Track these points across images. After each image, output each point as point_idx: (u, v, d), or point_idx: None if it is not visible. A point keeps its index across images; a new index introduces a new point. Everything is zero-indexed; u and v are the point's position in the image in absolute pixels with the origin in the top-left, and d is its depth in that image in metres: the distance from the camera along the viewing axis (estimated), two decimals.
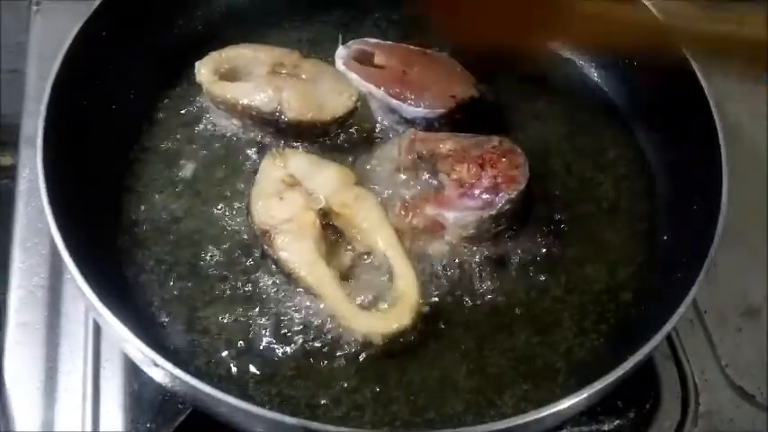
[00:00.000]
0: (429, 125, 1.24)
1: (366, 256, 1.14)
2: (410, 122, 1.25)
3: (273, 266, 1.13)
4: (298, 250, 1.10)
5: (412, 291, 1.08)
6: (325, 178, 1.16)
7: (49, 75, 1.13)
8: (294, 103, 1.22)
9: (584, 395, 0.93)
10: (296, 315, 1.11)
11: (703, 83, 1.20)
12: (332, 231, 1.15)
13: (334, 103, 1.24)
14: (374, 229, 1.12)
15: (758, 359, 1.26)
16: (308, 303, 1.11)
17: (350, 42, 1.32)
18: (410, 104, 1.23)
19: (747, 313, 1.30)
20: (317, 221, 1.11)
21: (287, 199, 1.13)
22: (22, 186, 1.31)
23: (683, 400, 1.21)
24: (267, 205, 1.13)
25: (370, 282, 1.12)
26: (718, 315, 1.29)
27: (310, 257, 1.09)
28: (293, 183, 1.15)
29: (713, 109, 1.17)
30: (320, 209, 1.12)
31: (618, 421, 1.19)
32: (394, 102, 1.24)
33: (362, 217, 1.13)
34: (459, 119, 1.25)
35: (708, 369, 1.25)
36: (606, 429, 1.18)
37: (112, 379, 1.16)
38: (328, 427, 0.88)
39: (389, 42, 1.33)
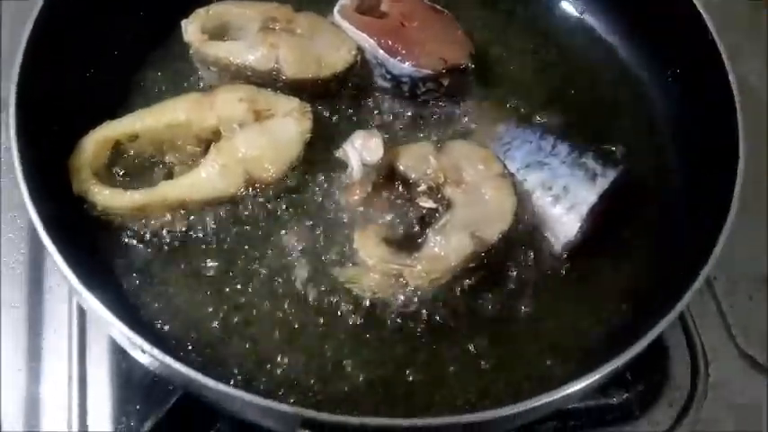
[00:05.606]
0: (414, 84, 1.17)
1: None
2: (395, 78, 1.18)
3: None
4: None
5: None
6: None
7: (22, 36, 1.05)
8: (292, 61, 1.14)
9: (596, 377, 0.89)
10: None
11: (716, 37, 1.13)
12: None
13: (333, 59, 1.16)
14: None
15: None
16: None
17: None
18: (398, 60, 1.15)
19: (758, 281, 1.26)
20: None
21: None
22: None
23: (693, 371, 1.18)
24: None
25: None
26: (728, 283, 1.25)
27: None
28: None
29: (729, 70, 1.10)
30: None
31: (627, 395, 1.15)
32: (381, 54, 1.16)
33: None
34: (447, 84, 1.19)
35: (718, 338, 1.21)
36: (615, 403, 1.15)
37: (99, 360, 1.11)
38: (322, 414, 0.84)
39: None
